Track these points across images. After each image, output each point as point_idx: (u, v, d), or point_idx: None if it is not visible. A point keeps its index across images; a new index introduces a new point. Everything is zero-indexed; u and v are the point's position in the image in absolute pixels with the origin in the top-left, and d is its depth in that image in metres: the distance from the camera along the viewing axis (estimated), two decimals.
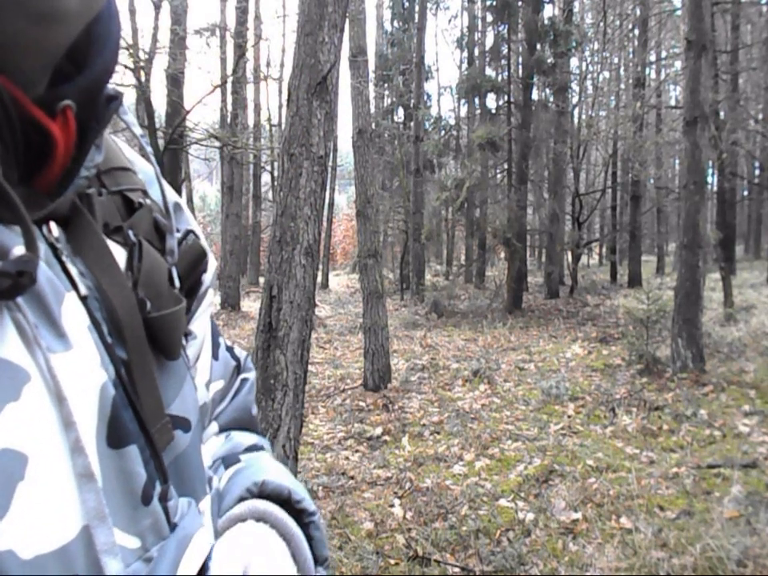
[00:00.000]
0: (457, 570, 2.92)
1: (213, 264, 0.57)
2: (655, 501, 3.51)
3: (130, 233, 0.47)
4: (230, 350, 0.69)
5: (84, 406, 0.37)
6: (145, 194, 0.51)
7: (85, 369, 0.38)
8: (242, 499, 0.54)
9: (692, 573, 2.75)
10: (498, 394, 6.13)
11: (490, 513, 3.47)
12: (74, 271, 0.41)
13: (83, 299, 0.40)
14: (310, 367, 4.89)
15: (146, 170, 0.55)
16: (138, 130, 0.50)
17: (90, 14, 0.40)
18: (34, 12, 0.35)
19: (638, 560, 2.87)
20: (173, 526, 0.43)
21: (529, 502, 3.61)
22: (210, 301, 0.58)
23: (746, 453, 4.19)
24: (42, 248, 0.39)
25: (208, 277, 0.57)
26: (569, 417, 5.26)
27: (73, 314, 0.39)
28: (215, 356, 0.64)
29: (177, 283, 0.49)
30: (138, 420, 0.41)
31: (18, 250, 0.35)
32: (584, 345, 8.44)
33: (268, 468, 0.59)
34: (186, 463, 0.47)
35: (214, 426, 0.64)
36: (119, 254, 0.45)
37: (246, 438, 0.65)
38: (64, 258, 0.41)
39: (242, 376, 0.70)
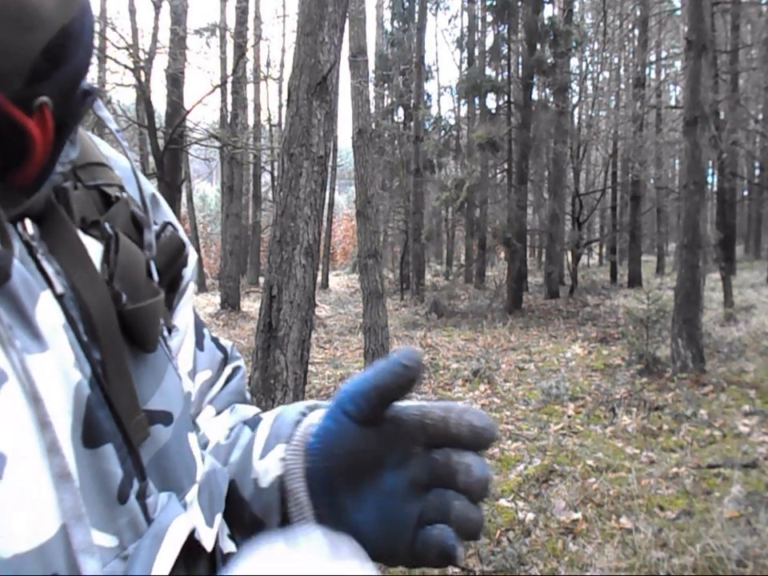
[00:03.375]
0: (457, 570, 2.92)
1: (193, 257, 0.57)
2: (655, 501, 3.51)
3: (107, 225, 0.46)
4: (215, 340, 0.69)
5: (59, 407, 0.37)
6: (122, 189, 0.51)
7: (60, 369, 0.38)
8: (297, 423, 0.53)
9: (692, 573, 2.75)
10: (498, 393, 6.13)
11: (490, 513, 3.47)
12: (49, 269, 0.40)
13: (59, 298, 0.40)
14: (310, 367, 4.88)
15: (123, 166, 0.55)
16: (113, 126, 0.50)
17: (66, 18, 0.39)
18: (8, 19, 0.35)
19: (638, 560, 2.87)
20: (151, 523, 0.43)
21: (529, 502, 3.61)
22: (192, 294, 0.58)
23: (746, 453, 4.19)
24: (17, 246, 0.38)
25: (188, 270, 0.56)
26: (569, 417, 5.25)
27: (48, 314, 0.39)
28: (200, 346, 0.64)
29: (155, 276, 0.49)
30: (115, 418, 0.41)
31: None
32: (584, 345, 8.43)
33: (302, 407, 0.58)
34: (167, 457, 0.47)
35: (210, 410, 0.64)
36: (96, 249, 0.45)
37: (252, 409, 0.65)
38: (39, 256, 0.40)
39: (234, 364, 0.70)
